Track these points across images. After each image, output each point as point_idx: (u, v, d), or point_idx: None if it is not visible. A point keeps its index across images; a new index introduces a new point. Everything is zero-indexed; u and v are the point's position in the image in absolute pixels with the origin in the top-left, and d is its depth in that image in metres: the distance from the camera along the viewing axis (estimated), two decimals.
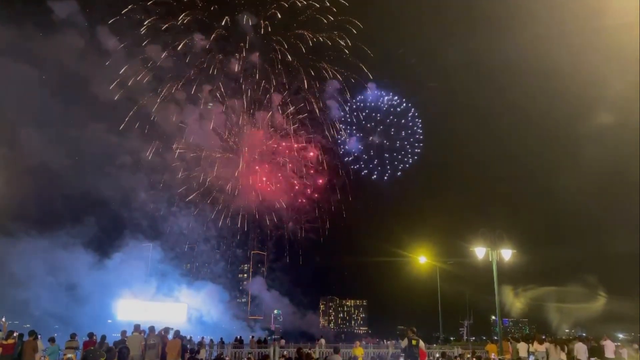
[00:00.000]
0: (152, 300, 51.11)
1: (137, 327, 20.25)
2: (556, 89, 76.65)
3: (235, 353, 32.73)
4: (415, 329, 19.72)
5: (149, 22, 57.19)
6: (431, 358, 32.08)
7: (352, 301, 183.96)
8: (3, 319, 21.72)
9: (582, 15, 57.35)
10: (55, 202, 54.34)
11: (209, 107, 61.84)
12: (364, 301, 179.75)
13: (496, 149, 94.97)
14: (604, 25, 50.48)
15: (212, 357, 31.34)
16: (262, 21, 61.38)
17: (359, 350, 27.34)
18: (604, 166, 70.90)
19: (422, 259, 49.45)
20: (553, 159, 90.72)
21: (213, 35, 60.41)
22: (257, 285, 73.31)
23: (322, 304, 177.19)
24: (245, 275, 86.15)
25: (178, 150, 60.23)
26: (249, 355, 31.74)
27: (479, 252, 25.80)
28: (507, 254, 25.54)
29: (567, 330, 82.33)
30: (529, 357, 28.34)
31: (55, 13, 53.48)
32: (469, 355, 30.78)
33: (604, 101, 68.53)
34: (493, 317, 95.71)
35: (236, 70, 62.58)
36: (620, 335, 49.04)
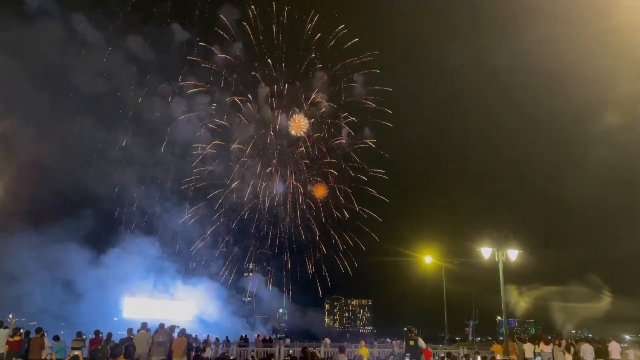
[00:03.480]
0: (158, 299, 51.00)
1: (144, 325, 20.33)
2: (562, 90, 76.44)
3: (240, 352, 32.76)
4: (414, 329, 19.80)
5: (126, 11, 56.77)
6: (436, 358, 31.96)
7: (358, 301, 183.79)
8: (10, 316, 21.85)
9: (586, 17, 57.15)
10: (48, 198, 53.47)
11: (200, 111, 60.89)
12: (369, 301, 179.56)
13: (502, 149, 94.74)
14: (608, 27, 50.22)
15: (218, 356, 31.40)
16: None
17: (364, 350, 27.30)
18: (610, 167, 70.59)
19: (428, 259, 49.36)
20: (558, 159, 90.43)
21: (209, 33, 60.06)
22: (256, 283, 72.65)
23: (327, 303, 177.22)
24: (251, 274, 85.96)
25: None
26: (253, 354, 31.80)
27: (486, 252, 25.70)
28: (513, 254, 25.43)
29: (573, 332, 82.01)
30: (535, 358, 28.22)
31: (26, 3, 52.54)
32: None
33: (609, 103, 68.28)
34: (499, 318, 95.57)
35: (219, 61, 62.31)
36: (627, 337, 48.75)
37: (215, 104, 62.87)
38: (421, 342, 19.15)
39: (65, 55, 53.69)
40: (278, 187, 66.51)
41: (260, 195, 65.35)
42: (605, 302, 59.92)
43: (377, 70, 64.21)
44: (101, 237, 54.48)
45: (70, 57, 54.14)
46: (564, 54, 72.51)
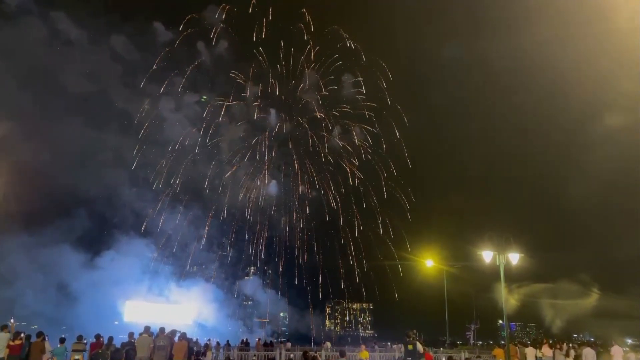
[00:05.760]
0: (155, 302, 50.77)
1: (146, 329, 20.33)
2: (562, 92, 76.37)
3: (241, 355, 32.75)
4: (411, 333, 19.87)
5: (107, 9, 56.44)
6: None
7: (359, 304, 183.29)
8: (11, 320, 21.86)
9: (586, 19, 57.28)
10: (40, 199, 51.84)
11: (189, 110, 60.11)
12: (370, 304, 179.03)
13: (502, 151, 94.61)
14: (609, 29, 50.30)
15: None
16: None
17: (364, 354, 27.52)
18: (611, 169, 70.55)
19: (429, 263, 49.36)
20: (559, 161, 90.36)
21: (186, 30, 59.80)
22: (252, 286, 71.79)
23: (328, 307, 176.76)
24: (250, 277, 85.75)
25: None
26: (254, 358, 31.81)
27: (487, 256, 25.67)
28: (514, 257, 25.39)
29: (575, 335, 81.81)
30: None
31: (5, 2, 51.61)
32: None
33: (610, 105, 68.25)
34: (500, 321, 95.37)
35: (206, 61, 61.79)
36: (629, 341, 48.69)
37: (205, 97, 62.06)
38: (419, 346, 19.31)
39: (49, 54, 53.00)
40: (271, 189, 65.92)
41: (253, 197, 64.79)
42: (592, 298, 59.84)
43: (384, 79, 63.50)
44: (95, 239, 53.84)
45: (54, 56, 53.41)
46: (564, 56, 72.59)
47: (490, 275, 29.16)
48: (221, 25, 60.78)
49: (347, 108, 64.55)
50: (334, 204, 65.57)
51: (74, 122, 52.88)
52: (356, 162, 64.81)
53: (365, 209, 65.90)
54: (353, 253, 66.65)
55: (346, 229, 66.75)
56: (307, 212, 66.78)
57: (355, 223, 66.34)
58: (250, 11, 60.69)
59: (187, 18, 59.75)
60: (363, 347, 29.69)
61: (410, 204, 64.68)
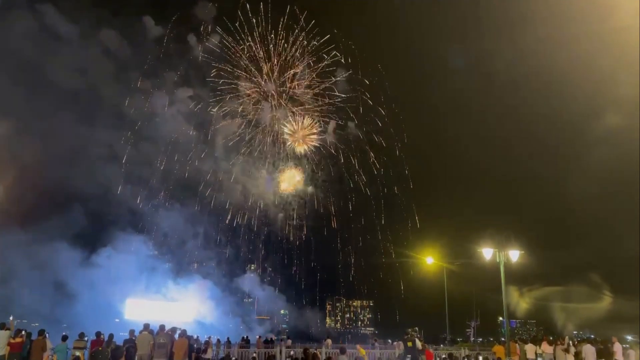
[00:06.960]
0: (154, 299, 50.63)
1: (146, 327, 20.34)
2: (562, 91, 76.42)
3: (242, 353, 32.76)
4: (409, 330, 20.13)
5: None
6: (438, 359, 31.96)
7: (359, 302, 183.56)
8: (11, 318, 21.89)
9: (586, 19, 57.23)
10: (35, 196, 51.46)
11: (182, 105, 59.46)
12: (371, 302, 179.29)
13: (503, 151, 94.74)
14: (609, 28, 50.25)
15: (219, 357, 31.44)
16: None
17: (362, 352, 27.85)
18: (611, 168, 70.62)
19: (430, 260, 49.34)
20: (559, 160, 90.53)
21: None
22: (251, 283, 71.19)
23: (328, 304, 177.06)
24: (250, 274, 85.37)
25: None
26: (255, 355, 31.81)
27: (487, 253, 25.69)
28: (514, 255, 25.41)
29: (574, 332, 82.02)
30: (536, 359, 28.24)
31: None
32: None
33: (610, 104, 68.29)
34: (500, 319, 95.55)
35: (197, 56, 60.51)
36: (629, 337, 48.68)
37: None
38: (418, 343, 19.55)
39: (39, 49, 52.22)
40: (269, 184, 65.30)
41: (250, 193, 64.28)
42: (605, 302, 59.86)
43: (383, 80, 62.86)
44: (91, 236, 53.60)
45: (44, 51, 52.59)
46: (564, 55, 72.63)
47: (491, 274, 29.18)
48: (212, 22, 60.14)
49: (341, 104, 63.97)
50: (332, 208, 65.42)
51: (66, 119, 52.37)
52: (355, 161, 64.51)
53: (365, 209, 65.78)
54: (352, 252, 66.67)
55: (346, 228, 66.66)
56: (306, 209, 66.59)
57: (353, 222, 66.30)
58: (240, 8, 60.01)
59: (177, 14, 59.30)
60: (358, 346, 30.03)
61: (412, 222, 64.32)
